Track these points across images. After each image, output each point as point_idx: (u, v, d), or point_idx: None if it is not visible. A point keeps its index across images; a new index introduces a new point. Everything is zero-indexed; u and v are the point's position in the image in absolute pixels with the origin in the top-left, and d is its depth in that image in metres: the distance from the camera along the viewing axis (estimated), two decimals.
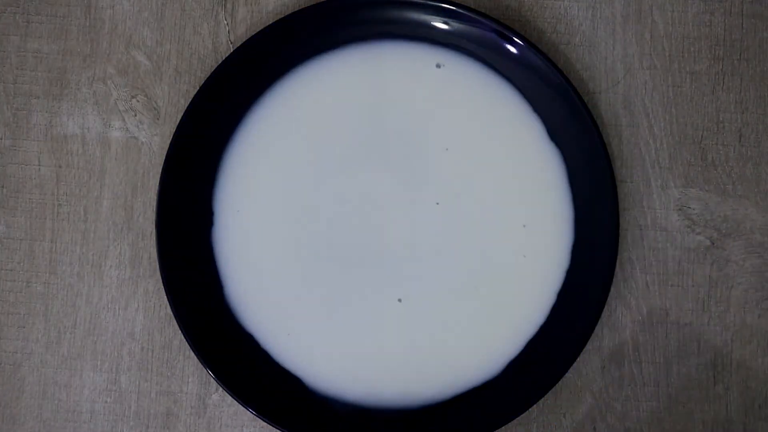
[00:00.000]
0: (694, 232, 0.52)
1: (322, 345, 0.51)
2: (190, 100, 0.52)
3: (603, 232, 0.50)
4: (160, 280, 0.51)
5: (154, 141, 0.54)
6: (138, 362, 0.53)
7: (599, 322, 0.51)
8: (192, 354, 0.52)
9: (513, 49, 0.51)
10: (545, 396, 0.49)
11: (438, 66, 0.52)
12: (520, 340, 0.51)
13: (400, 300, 0.51)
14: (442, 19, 0.52)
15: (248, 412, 0.50)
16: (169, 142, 0.52)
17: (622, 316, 0.52)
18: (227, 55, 0.52)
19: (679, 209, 0.52)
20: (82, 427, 0.52)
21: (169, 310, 0.52)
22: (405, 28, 0.52)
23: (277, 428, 0.50)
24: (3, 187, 0.54)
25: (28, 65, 0.54)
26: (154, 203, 0.52)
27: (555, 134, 0.51)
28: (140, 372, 0.52)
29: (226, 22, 0.54)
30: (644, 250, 0.52)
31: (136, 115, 0.54)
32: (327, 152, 0.52)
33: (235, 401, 0.50)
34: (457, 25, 0.52)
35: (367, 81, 0.52)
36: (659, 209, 0.52)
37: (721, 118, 0.53)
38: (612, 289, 0.51)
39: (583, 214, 0.51)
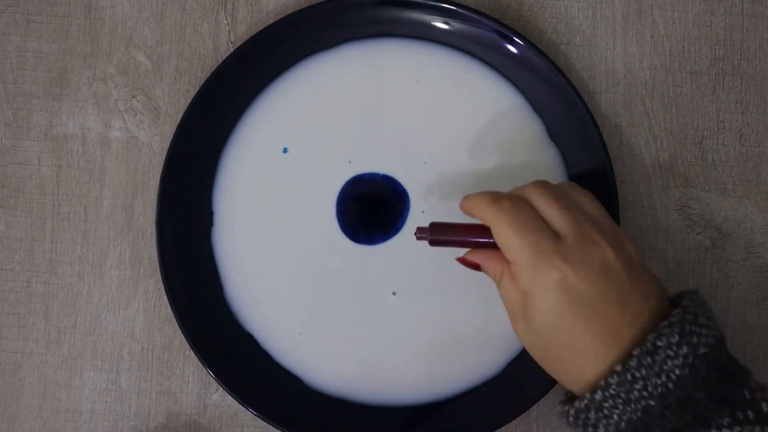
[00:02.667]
0: (694, 232, 0.52)
1: (322, 344, 0.51)
2: (190, 100, 0.52)
3: None
4: (160, 280, 0.51)
5: (154, 141, 0.54)
6: (138, 362, 0.53)
7: None
8: (192, 354, 0.52)
9: (513, 49, 0.51)
10: (545, 396, 0.49)
11: (437, 66, 0.52)
12: None
13: (394, 293, 0.51)
14: (442, 19, 0.52)
15: (248, 412, 0.50)
16: (169, 142, 0.52)
17: None
18: (227, 55, 0.52)
19: (679, 209, 0.52)
20: (82, 427, 0.52)
21: (169, 310, 0.52)
22: (405, 28, 0.52)
23: (277, 428, 0.50)
24: (3, 187, 0.54)
25: (29, 65, 0.54)
26: (154, 203, 0.52)
27: (555, 134, 0.51)
28: (140, 372, 0.53)
29: (226, 22, 0.54)
30: (644, 250, 0.52)
31: (136, 115, 0.54)
32: (327, 151, 0.52)
33: (235, 401, 0.50)
34: (457, 25, 0.52)
35: (367, 81, 0.52)
36: (659, 209, 0.52)
37: (721, 118, 0.53)
38: None
39: None
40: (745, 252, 0.52)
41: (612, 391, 0.39)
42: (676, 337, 0.38)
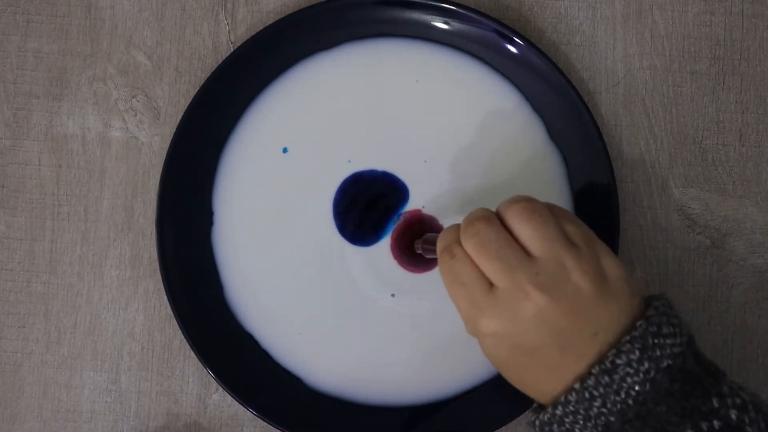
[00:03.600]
0: (694, 232, 0.52)
1: (322, 344, 0.51)
2: (190, 100, 0.52)
3: (603, 232, 0.49)
4: (160, 280, 0.51)
5: (154, 141, 0.54)
6: (138, 362, 0.53)
7: None
8: (192, 354, 0.52)
9: (513, 49, 0.51)
10: None
11: (437, 66, 0.52)
12: None
13: (393, 294, 0.51)
14: (442, 19, 0.52)
15: (248, 412, 0.50)
16: (169, 142, 0.52)
17: None
18: (227, 55, 0.52)
19: (679, 209, 0.52)
20: (82, 427, 0.52)
21: (169, 310, 0.52)
22: (405, 28, 0.52)
23: (277, 428, 0.50)
24: (3, 187, 0.54)
25: (28, 65, 0.54)
26: (154, 203, 0.52)
27: (555, 134, 0.51)
28: (140, 372, 0.53)
29: (226, 22, 0.54)
30: (644, 250, 0.52)
31: (136, 115, 0.54)
32: (326, 151, 0.52)
33: (235, 401, 0.50)
34: (457, 25, 0.52)
35: (367, 81, 0.52)
36: (659, 209, 0.52)
37: (721, 118, 0.53)
38: None
39: (583, 214, 0.51)
40: (745, 252, 0.52)
41: (571, 408, 0.39)
42: (637, 353, 0.38)
